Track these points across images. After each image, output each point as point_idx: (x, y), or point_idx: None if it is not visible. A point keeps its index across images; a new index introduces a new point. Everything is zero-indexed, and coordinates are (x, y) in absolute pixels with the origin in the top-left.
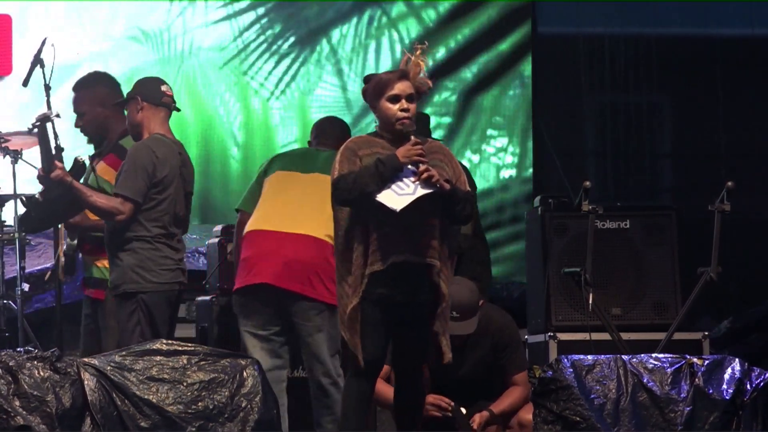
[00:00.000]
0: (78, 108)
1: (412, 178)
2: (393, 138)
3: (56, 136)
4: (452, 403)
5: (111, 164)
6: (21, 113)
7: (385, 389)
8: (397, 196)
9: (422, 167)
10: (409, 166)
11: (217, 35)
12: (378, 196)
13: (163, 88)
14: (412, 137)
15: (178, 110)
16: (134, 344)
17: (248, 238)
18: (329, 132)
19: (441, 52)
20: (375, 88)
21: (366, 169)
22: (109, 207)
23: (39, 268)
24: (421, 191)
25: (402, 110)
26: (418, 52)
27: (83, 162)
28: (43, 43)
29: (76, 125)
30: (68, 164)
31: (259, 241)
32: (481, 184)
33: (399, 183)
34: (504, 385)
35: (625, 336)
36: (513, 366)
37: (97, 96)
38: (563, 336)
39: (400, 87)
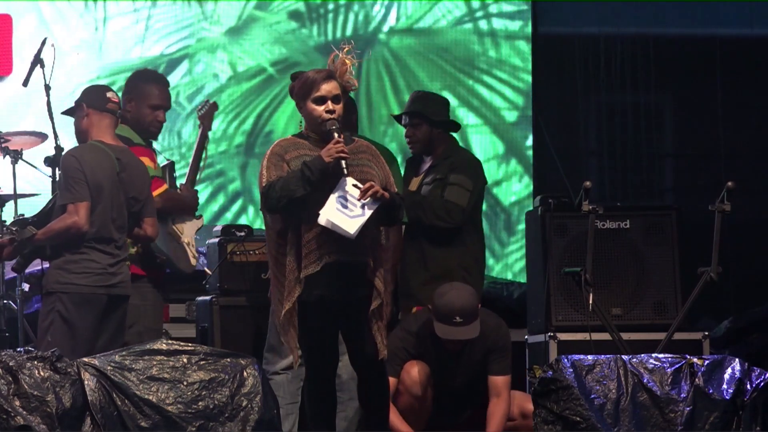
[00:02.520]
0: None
1: (357, 196)
2: (319, 139)
3: (56, 136)
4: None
5: None
6: (21, 113)
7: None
8: (349, 218)
9: (365, 186)
10: (348, 179)
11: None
12: (328, 218)
13: (109, 94)
14: (335, 135)
15: (122, 118)
16: (47, 343)
17: None
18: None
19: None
20: (301, 88)
21: (293, 175)
22: (64, 225)
23: (39, 268)
24: (370, 210)
25: (328, 111)
26: (345, 50)
27: (17, 229)
28: (43, 43)
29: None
30: None
31: None
32: None
33: (342, 201)
34: (487, 388)
35: (625, 336)
36: (496, 367)
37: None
38: (563, 336)
39: (326, 88)
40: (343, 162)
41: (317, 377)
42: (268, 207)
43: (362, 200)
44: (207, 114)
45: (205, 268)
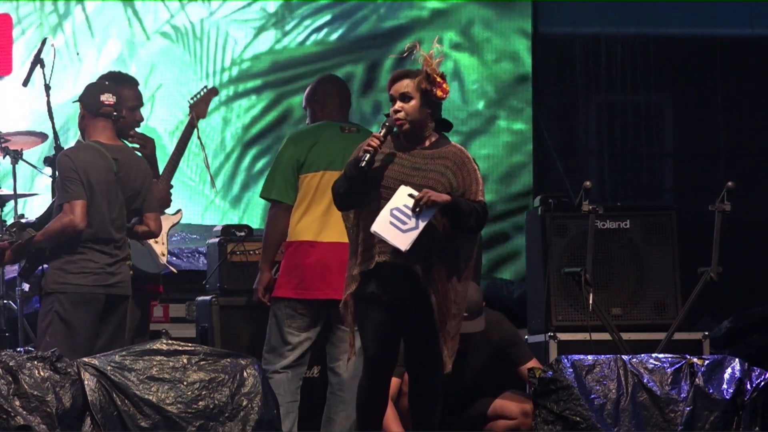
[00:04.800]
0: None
1: (410, 208)
2: (402, 137)
3: (56, 137)
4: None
5: None
6: (21, 113)
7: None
8: (402, 232)
9: (419, 195)
10: (404, 188)
11: None
12: (382, 233)
13: (103, 97)
14: (381, 130)
15: (123, 118)
16: (45, 343)
17: (303, 247)
18: (330, 98)
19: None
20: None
21: (341, 174)
22: (60, 225)
23: (39, 268)
24: (423, 222)
25: (394, 111)
26: (431, 52)
27: (18, 228)
28: (44, 43)
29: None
30: None
31: (318, 253)
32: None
33: (396, 214)
34: (519, 377)
35: (625, 336)
36: (519, 357)
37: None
38: (563, 336)
39: (395, 88)
40: (367, 155)
41: (373, 375)
42: (336, 207)
43: (416, 211)
44: (201, 100)
45: (170, 267)
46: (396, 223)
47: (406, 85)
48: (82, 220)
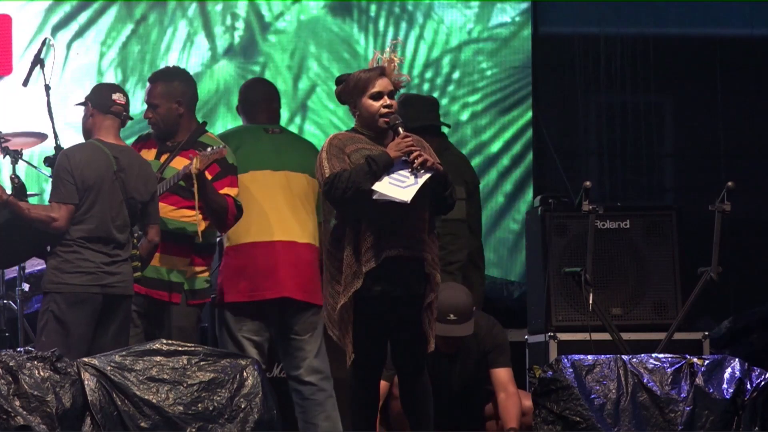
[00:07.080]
0: (152, 99)
1: (407, 169)
2: (374, 135)
3: (56, 137)
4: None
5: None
6: (21, 113)
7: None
8: (402, 188)
9: (414, 153)
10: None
11: None
12: (379, 192)
13: (115, 96)
14: (401, 130)
15: (131, 119)
16: (42, 343)
17: (246, 249)
18: (250, 103)
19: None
20: (355, 86)
21: (360, 168)
22: (44, 216)
23: (39, 268)
24: (423, 177)
25: (385, 107)
26: (390, 48)
27: (20, 182)
28: (44, 43)
29: (146, 116)
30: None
31: (262, 254)
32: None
33: (394, 176)
34: (490, 382)
35: (625, 336)
36: (497, 361)
37: (174, 91)
38: (563, 336)
39: (382, 84)
40: (420, 158)
41: (367, 375)
42: (332, 197)
43: (412, 171)
44: (207, 155)
45: None
46: (394, 183)
47: (389, 82)
48: (65, 223)
